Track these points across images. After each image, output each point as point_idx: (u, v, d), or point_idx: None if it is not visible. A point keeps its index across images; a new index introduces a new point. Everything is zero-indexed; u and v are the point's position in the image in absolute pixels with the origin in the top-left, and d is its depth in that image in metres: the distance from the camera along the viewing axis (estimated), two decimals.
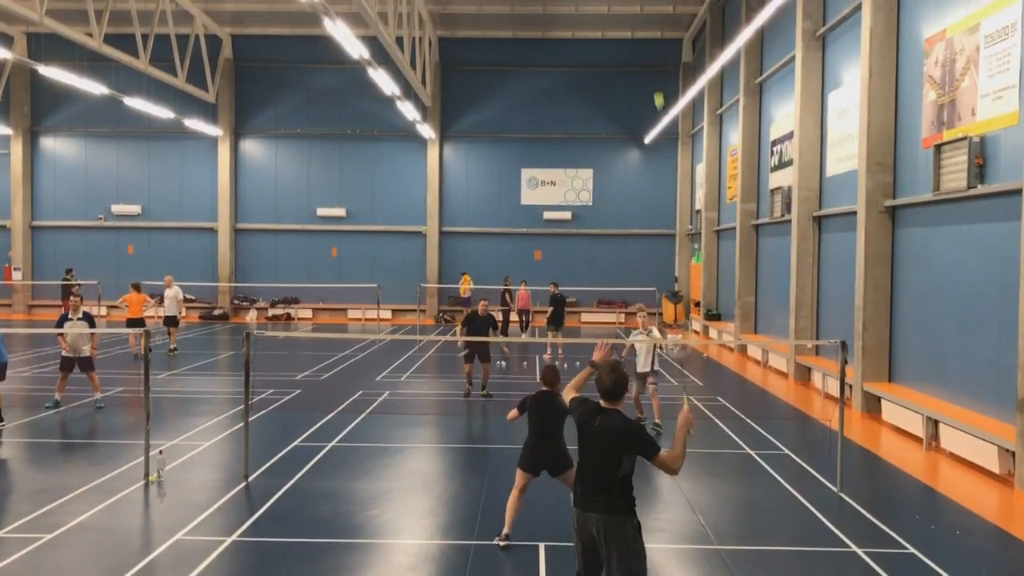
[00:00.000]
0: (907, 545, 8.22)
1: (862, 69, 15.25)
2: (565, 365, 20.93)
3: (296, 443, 12.17)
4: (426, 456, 12.02)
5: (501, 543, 7.96)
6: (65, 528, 8.37)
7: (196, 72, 31.48)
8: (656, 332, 13.49)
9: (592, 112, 34.14)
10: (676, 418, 13.07)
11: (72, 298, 15.10)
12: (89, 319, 14.54)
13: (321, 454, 11.56)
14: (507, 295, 28.89)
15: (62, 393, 14.62)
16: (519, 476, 8.17)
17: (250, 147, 34.78)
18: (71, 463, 10.99)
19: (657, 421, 13.18)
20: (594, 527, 5.54)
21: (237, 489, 9.81)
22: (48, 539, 8.06)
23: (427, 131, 32.44)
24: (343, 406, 15.05)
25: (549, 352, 22.36)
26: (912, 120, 14.31)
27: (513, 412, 8.55)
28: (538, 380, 8.67)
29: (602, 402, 5.78)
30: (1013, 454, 10.36)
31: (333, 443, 12.21)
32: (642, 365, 13.30)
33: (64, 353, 14.57)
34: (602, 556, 5.54)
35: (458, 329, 15.99)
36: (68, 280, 30.26)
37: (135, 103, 27.05)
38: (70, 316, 14.44)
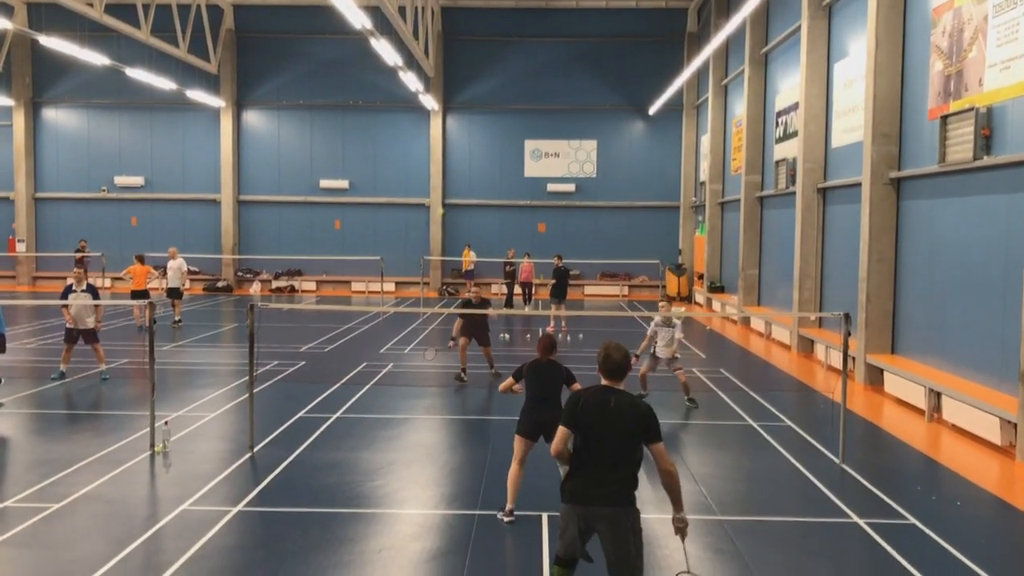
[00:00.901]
0: (908, 516, 8.27)
1: (868, 39, 15.12)
2: (568, 338, 20.97)
3: (301, 414, 12.23)
4: (430, 427, 12.08)
5: (505, 519, 7.96)
6: (72, 498, 8.44)
7: (198, 43, 31.28)
8: (679, 326, 13.28)
9: (596, 83, 33.93)
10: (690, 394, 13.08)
11: (76, 269, 15.12)
12: (93, 291, 14.56)
13: (326, 425, 11.62)
14: (509, 268, 28.88)
15: (67, 365, 14.65)
16: (518, 445, 8.13)
17: (252, 118, 34.65)
18: (77, 434, 11.06)
19: (690, 396, 13.19)
20: (602, 522, 5.28)
21: (242, 460, 9.88)
22: (55, 509, 8.13)
23: (430, 102, 32.28)
24: (347, 378, 15.11)
25: (552, 325, 22.38)
26: (918, 91, 14.21)
27: (507, 382, 8.57)
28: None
29: (606, 381, 5.51)
30: (1015, 425, 10.39)
31: (338, 414, 12.27)
32: (662, 351, 13.12)
33: (68, 325, 14.59)
34: (606, 549, 5.32)
35: (456, 326, 15.21)
36: (81, 251, 30.26)
37: (137, 74, 26.93)
38: (74, 288, 14.47)
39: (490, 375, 15.32)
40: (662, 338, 13.14)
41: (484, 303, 15.39)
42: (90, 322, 14.62)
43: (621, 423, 5.29)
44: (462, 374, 15.02)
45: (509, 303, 28.53)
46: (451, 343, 15.02)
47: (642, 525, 5.40)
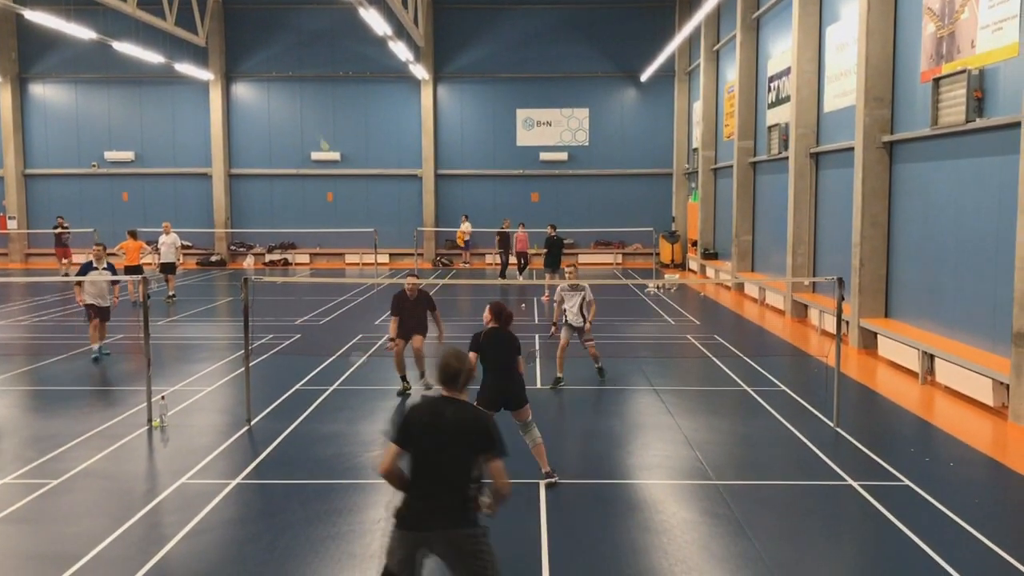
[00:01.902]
0: (902, 477, 8.34)
1: (860, 2, 15.01)
2: None
3: (297, 387, 12.26)
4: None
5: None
6: (71, 474, 8.47)
7: (185, 15, 30.89)
8: (588, 292, 12.53)
9: (587, 50, 33.69)
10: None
11: (95, 247, 14.77)
12: (112, 269, 14.40)
13: (322, 397, 11.66)
14: (502, 238, 28.85)
15: (99, 341, 14.27)
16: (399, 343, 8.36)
17: (242, 91, 34.39)
18: (74, 410, 11.07)
19: (599, 365, 12.73)
20: (441, 546, 4.69)
21: (240, 433, 9.91)
22: (54, 485, 8.16)
23: (420, 72, 32.05)
24: (343, 350, 15.13)
25: (547, 295, 22.39)
26: (911, 54, 14.15)
27: (470, 356, 7.96)
28: (485, 319, 8.32)
29: (444, 391, 4.93)
30: (1007, 387, 10.46)
31: (334, 386, 12.30)
32: (573, 317, 12.39)
33: (89, 301, 14.21)
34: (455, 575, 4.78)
35: (392, 324, 12.02)
36: (60, 228, 29.95)
37: (124, 48, 26.66)
38: (95, 265, 14.23)
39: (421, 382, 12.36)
40: (570, 306, 12.37)
41: (423, 298, 12.09)
42: (108, 300, 14.39)
43: (457, 437, 4.69)
44: (404, 384, 12.03)
45: (503, 273, 28.54)
46: (389, 344, 11.98)
47: (490, 543, 4.78)
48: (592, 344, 12.59)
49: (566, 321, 12.46)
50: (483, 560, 4.68)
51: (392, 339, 11.86)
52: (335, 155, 34.12)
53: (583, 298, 12.42)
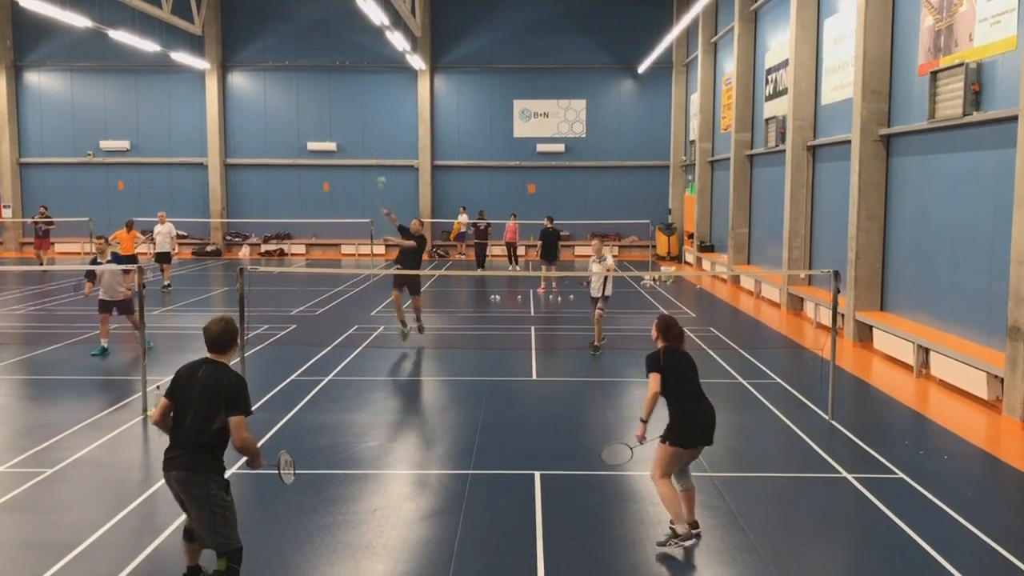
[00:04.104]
0: (896, 470, 8.37)
1: None
2: (559, 299, 21.01)
3: (293, 377, 12.25)
4: (422, 388, 12.12)
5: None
6: (66, 463, 8.46)
7: (181, 4, 30.80)
8: (610, 259, 14.06)
9: (585, 41, 33.62)
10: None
11: (98, 240, 14.61)
12: (118, 259, 14.10)
13: (318, 388, 11.65)
14: (479, 228, 29.22)
15: (107, 339, 13.97)
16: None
17: (238, 80, 34.28)
18: (69, 399, 11.06)
19: (596, 344, 13.88)
20: (179, 485, 5.49)
21: None
22: (50, 473, 8.15)
23: (417, 62, 31.96)
24: (338, 340, 15.12)
25: (543, 286, 22.41)
26: (909, 47, 14.13)
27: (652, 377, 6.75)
28: (652, 336, 7.13)
29: (208, 353, 5.64)
30: (1002, 380, 10.48)
31: (330, 376, 12.29)
32: (595, 290, 13.88)
33: (101, 296, 13.87)
34: (189, 513, 5.59)
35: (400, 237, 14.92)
36: (42, 218, 29.45)
37: (120, 36, 26.55)
38: (99, 260, 13.98)
39: (415, 328, 14.87)
40: (595, 276, 13.78)
41: (415, 238, 14.62)
42: (121, 291, 13.83)
43: (205, 393, 5.42)
44: (404, 331, 14.69)
45: (481, 263, 28.52)
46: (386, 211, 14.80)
47: (228, 496, 5.52)
48: (601, 312, 13.81)
49: (592, 294, 13.91)
50: (213, 506, 5.43)
51: (389, 213, 14.65)
52: (331, 145, 34.04)
53: (606, 265, 13.77)
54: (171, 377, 5.66)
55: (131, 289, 13.92)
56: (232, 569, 5.49)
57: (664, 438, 6.62)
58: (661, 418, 6.69)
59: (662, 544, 6.52)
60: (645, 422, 6.64)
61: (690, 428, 6.59)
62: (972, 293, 12.12)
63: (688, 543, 6.48)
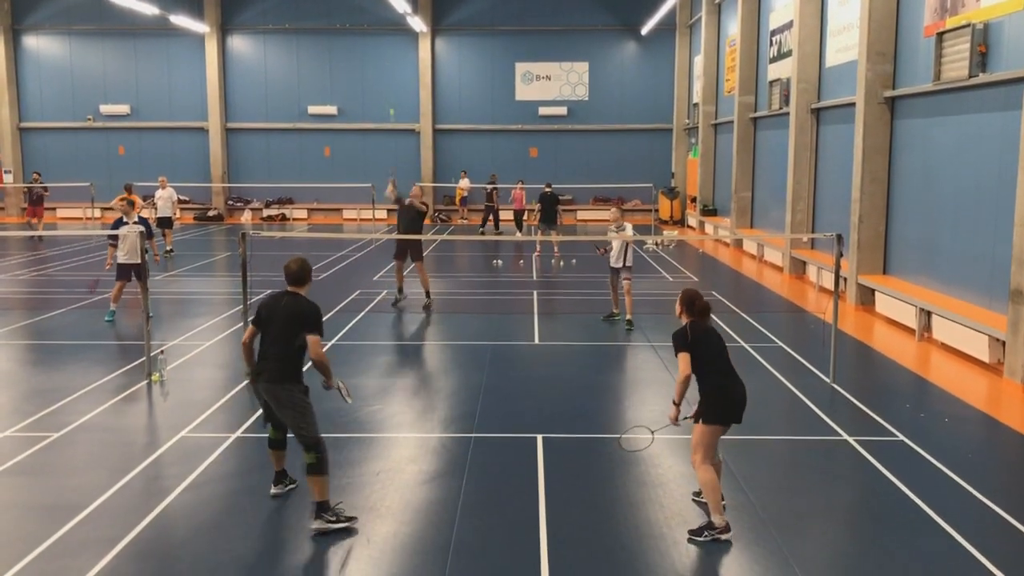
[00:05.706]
0: (897, 433, 8.40)
1: None
2: (561, 263, 20.98)
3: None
4: (425, 353, 12.14)
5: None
6: (71, 427, 8.51)
7: None
8: (629, 229, 13.57)
9: (587, 2, 33.23)
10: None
11: (121, 201, 14.30)
12: (146, 223, 13.79)
13: None
14: (493, 193, 29.05)
15: (117, 303, 13.72)
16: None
17: (238, 44, 33.98)
18: (73, 364, 11.10)
19: (628, 318, 13.26)
20: (268, 395, 6.47)
21: (239, 387, 9.93)
22: (55, 437, 8.21)
23: (418, 24, 31.66)
24: (341, 305, 15.13)
25: (539, 249, 22.35)
26: (914, 8, 13.97)
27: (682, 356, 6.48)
28: (677, 311, 6.72)
29: (288, 287, 6.70)
30: (1003, 343, 10.50)
31: (333, 341, 12.31)
32: (615, 260, 13.35)
33: (121, 260, 13.58)
34: (277, 415, 6.55)
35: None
36: (35, 183, 29.12)
37: None
38: (125, 220, 13.65)
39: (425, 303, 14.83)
40: (615, 246, 13.22)
41: (418, 206, 14.53)
42: (139, 256, 13.79)
43: (289, 317, 6.45)
44: (399, 297, 14.99)
45: (496, 225, 28.61)
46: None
47: (307, 399, 6.50)
48: (629, 281, 13.27)
49: (611, 265, 13.44)
50: (295, 410, 6.43)
51: (393, 181, 14.92)
52: (332, 109, 33.83)
53: (626, 232, 13.28)
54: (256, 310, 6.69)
55: (157, 255, 13.77)
56: (320, 458, 6.35)
57: (700, 418, 6.35)
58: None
59: (695, 534, 6.12)
60: (678, 405, 6.44)
61: (729, 402, 6.42)
62: (975, 256, 12.09)
63: (725, 536, 6.08)
